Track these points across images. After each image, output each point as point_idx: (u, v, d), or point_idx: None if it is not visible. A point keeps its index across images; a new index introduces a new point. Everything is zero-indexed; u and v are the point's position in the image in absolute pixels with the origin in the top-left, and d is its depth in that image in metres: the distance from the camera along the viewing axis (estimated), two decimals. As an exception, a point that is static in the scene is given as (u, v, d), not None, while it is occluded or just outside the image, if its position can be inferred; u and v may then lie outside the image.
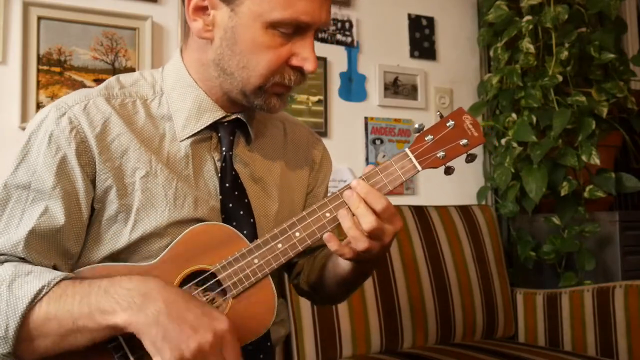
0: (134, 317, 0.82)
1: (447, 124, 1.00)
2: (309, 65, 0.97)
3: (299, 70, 0.99)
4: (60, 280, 0.86)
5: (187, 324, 0.82)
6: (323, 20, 0.97)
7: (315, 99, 2.36)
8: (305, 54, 0.97)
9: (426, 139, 1.00)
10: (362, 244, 0.93)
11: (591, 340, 2.01)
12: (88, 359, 0.88)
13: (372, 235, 0.93)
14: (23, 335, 0.84)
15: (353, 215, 0.94)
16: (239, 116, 1.06)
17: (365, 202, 0.93)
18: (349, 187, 0.96)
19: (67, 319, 0.83)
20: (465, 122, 1.01)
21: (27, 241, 0.91)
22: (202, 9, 0.97)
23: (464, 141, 1.00)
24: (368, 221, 0.92)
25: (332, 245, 0.95)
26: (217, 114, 1.03)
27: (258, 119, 1.12)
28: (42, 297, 0.84)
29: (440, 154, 0.99)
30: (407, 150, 1.00)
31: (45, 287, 0.84)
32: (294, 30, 0.95)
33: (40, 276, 0.86)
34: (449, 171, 1.01)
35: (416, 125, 1.00)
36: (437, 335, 2.04)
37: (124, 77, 1.07)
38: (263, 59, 0.96)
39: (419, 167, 0.99)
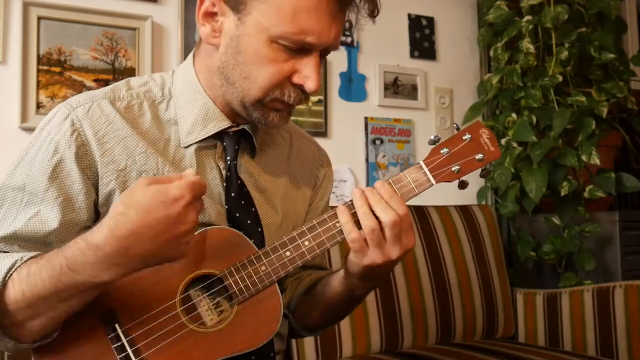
0: (121, 275, 0.82)
1: (464, 137, 0.99)
2: (310, 84, 0.94)
3: (300, 88, 0.96)
4: (30, 258, 0.85)
5: (168, 238, 0.81)
6: (331, 42, 0.94)
7: (315, 99, 2.36)
8: (308, 72, 0.94)
9: (441, 152, 0.98)
10: (371, 224, 0.91)
11: (591, 340, 2.01)
12: (85, 349, 0.88)
13: (389, 232, 0.92)
14: (10, 319, 0.84)
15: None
16: (244, 127, 1.05)
17: (387, 203, 0.93)
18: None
19: (49, 295, 0.82)
20: (482, 136, 1.00)
21: (10, 239, 0.92)
22: (211, 15, 0.97)
23: (480, 155, 0.99)
24: (389, 214, 0.91)
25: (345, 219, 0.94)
26: (223, 123, 1.03)
27: (265, 130, 1.11)
28: (12, 273, 0.84)
29: (455, 167, 0.98)
30: (421, 162, 0.98)
31: (18, 261, 0.84)
32: (298, 47, 0.93)
33: (13, 256, 0.86)
34: (462, 185, 0.99)
35: (432, 137, 0.98)
36: (437, 335, 2.04)
37: (134, 80, 1.06)
38: (264, 72, 0.94)
39: (433, 181, 0.97)
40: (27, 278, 0.83)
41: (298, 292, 1.16)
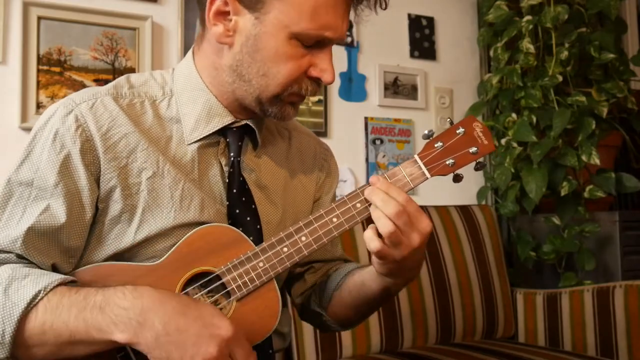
0: (134, 338, 0.82)
1: (457, 131, 1.00)
2: (327, 77, 0.99)
3: (316, 80, 1.00)
4: (57, 286, 0.85)
5: (189, 342, 0.82)
6: (343, 35, 0.99)
7: (315, 99, 2.36)
8: (324, 65, 0.98)
9: (436, 145, 0.99)
10: (387, 227, 0.91)
11: (591, 340, 2.01)
12: None
13: (397, 223, 0.91)
14: (20, 341, 0.83)
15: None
16: (248, 122, 1.05)
17: (387, 193, 0.93)
18: (367, 185, 0.96)
19: (64, 332, 0.83)
20: (475, 130, 1.01)
21: (26, 238, 0.91)
22: (223, 14, 0.97)
23: (474, 149, 0.99)
24: (391, 205, 0.91)
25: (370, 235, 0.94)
26: (227, 119, 1.03)
27: (266, 126, 1.12)
28: (37, 303, 0.83)
29: (450, 161, 0.99)
30: (416, 157, 0.99)
31: (42, 292, 0.84)
32: (315, 43, 0.96)
33: (37, 280, 0.85)
34: (457, 179, 1.00)
35: (426, 132, 0.99)
36: (437, 335, 2.04)
37: (134, 77, 1.06)
38: (284, 69, 0.96)
39: (428, 175, 0.99)
40: (55, 310, 0.84)
41: (330, 289, 1.15)
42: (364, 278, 1.07)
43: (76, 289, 0.86)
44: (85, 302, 0.83)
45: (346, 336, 1.89)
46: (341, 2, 0.96)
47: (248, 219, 1.02)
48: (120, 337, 0.82)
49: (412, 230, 0.93)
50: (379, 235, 0.93)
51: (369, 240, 0.93)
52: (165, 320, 0.82)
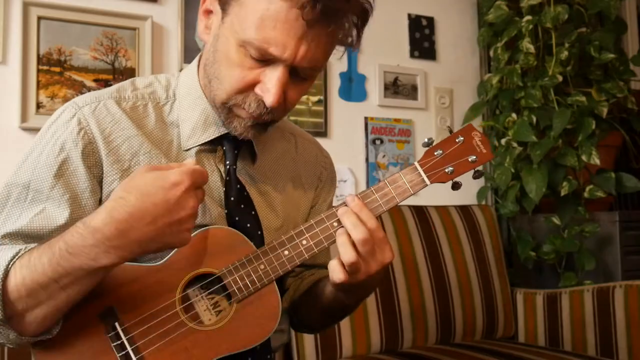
0: (121, 260, 0.82)
1: (457, 140, 1.01)
2: (268, 98, 0.91)
3: (261, 100, 0.93)
4: (34, 247, 0.85)
5: (166, 219, 0.81)
6: (298, 60, 0.90)
7: (315, 99, 2.36)
8: (269, 85, 0.91)
9: (435, 153, 1.00)
10: (350, 256, 0.92)
11: (591, 340, 2.01)
12: (85, 347, 0.88)
13: (360, 251, 0.92)
14: (11, 311, 0.83)
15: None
16: None
17: (358, 217, 0.93)
18: (344, 203, 0.96)
19: (48, 282, 0.82)
20: (474, 139, 1.02)
21: (14, 236, 0.91)
22: (208, 13, 0.98)
23: (473, 157, 1.01)
24: (359, 231, 0.92)
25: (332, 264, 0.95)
26: (222, 129, 1.02)
27: (270, 131, 1.10)
28: (15, 261, 0.83)
29: (449, 169, 1.00)
30: (416, 164, 1.00)
31: (21, 251, 0.84)
32: (262, 57, 0.90)
33: (18, 246, 0.86)
34: (456, 186, 1.01)
35: (426, 139, 1.00)
36: (437, 335, 2.04)
37: (139, 80, 1.07)
38: (229, 75, 0.93)
39: (428, 182, 0.99)
40: (28, 263, 0.83)
41: (299, 292, 1.17)
42: (326, 286, 1.07)
43: (39, 243, 0.86)
44: (51, 250, 0.82)
45: (346, 336, 1.89)
46: (293, 22, 0.87)
47: (249, 225, 1.02)
48: (107, 263, 0.81)
49: (373, 260, 0.94)
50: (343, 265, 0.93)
51: (333, 270, 0.93)
52: (134, 228, 0.80)
